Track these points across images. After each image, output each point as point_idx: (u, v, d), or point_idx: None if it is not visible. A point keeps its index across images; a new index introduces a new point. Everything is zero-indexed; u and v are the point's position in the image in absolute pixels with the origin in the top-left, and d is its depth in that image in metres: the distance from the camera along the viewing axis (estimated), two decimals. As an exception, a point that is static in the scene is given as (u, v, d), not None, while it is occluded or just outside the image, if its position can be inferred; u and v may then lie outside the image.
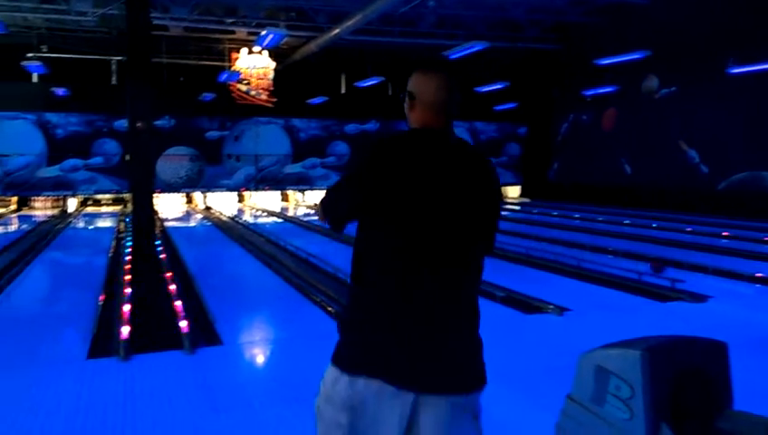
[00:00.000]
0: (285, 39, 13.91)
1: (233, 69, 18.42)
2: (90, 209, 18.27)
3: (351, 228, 1.88)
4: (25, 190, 17.78)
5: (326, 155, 20.50)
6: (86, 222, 15.33)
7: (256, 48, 18.11)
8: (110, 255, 9.25)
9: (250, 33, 16.83)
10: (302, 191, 20.58)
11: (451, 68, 1.84)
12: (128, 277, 7.09)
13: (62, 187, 17.94)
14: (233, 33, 17.39)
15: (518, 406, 3.61)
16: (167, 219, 15.48)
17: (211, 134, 19.27)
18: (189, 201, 19.76)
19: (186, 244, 10.62)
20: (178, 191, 19.26)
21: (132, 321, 5.14)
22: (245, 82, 19.01)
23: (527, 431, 3.26)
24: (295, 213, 17.64)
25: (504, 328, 5.41)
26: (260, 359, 4.56)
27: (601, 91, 17.56)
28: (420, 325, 1.65)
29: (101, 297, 6.26)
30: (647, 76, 16.89)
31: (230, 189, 19.72)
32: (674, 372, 2.60)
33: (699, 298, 6.28)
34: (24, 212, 17.46)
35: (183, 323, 5.03)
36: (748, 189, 14.39)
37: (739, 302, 6.42)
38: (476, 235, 1.75)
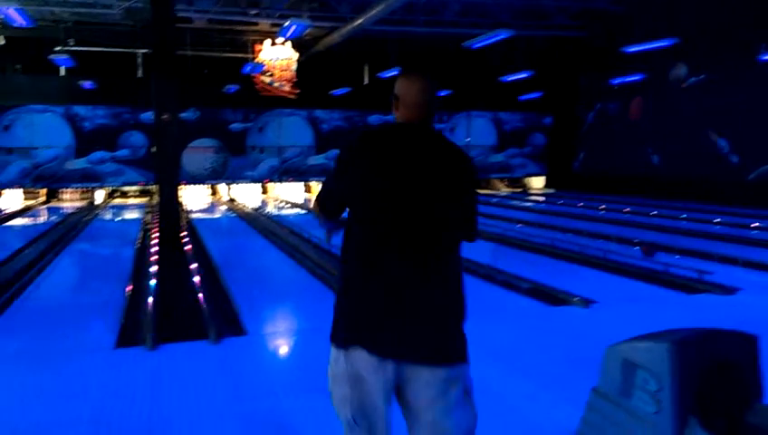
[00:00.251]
0: (308, 30, 13.90)
1: (256, 61, 18.47)
2: (117, 201, 18.54)
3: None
4: (54, 182, 18.10)
5: (349, 146, 20.47)
6: (113, 214, 15.57)
7: (279, 39, 18.13)
8: (136, 246, 9.38)
9: (273, 25, 16.85)
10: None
11: (430, 74, 2.01)
12: (154, 268, 7.19)
13: (89, 179, 18.22)
14: (256, 24, 17.43)
15: (543, 399, 3.59)
16: (192, 211, 15.65)
17: (235, 126, 19.39)
18: (214, 193, 19.94)
19: (211, 235, 10.72)
20: (203, 183, 19.44)
21: (159, 311, 5.21)
22: (269, 73, 19.05)
23: (552, 424, 3.23)
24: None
25: (529, 320, 5.38)
26: (284, 349, 4.59)
27: (628, 79, 17.25)
28: (394, 302, 1.80)
29: (128, 288, 6.36)
30: (675, 64, 16.55)
31: (254, 181, 19.85)
32: (702, 365, 2.56)
33: (728, 290, 6.17)
34: (53, 204, 17.79)
35: (208, 314, 5.09)
36: (780, 179, 14.07)
37: (770, 294, 6.29)
38: (448, 220, 1.91)
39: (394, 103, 2.00)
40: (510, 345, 4.61)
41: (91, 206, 16.95)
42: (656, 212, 13.32)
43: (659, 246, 8.62)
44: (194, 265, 7.40)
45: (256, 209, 15.43)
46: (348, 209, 1.95)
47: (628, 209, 14.07)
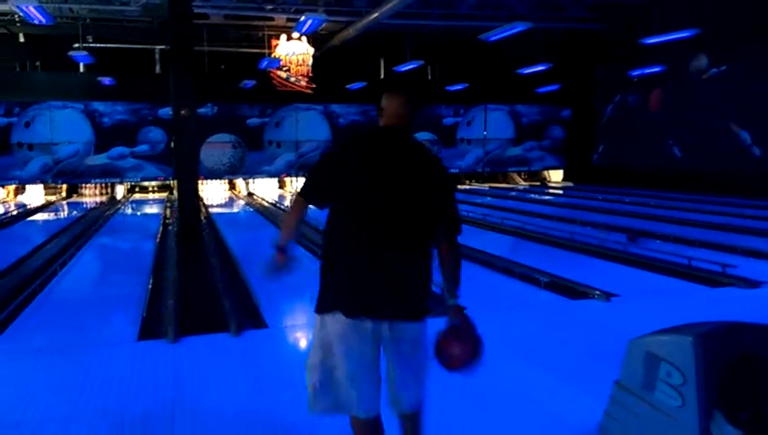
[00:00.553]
0: (324, 24, 13.89)
1: (273, 56, 18.52)
2: (137, 196, 18.75)
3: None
4: (74, 178, 18.31)
5: (366, 140, 20.48)
6: (134, 208, 15.74)
7: (295, 34, 18.15)
8: (157, 240, 9.47)
9: (289, 20, 16.86)
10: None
11: (410, 91, 2.45)
12: (174, 262, 7.26)
13: (109, 174, 18.41)
14: (272, 19, 17.45)
15: (565, 392, 3.57)
16: (211, 205, 15.77)
17: (252, 121, 19.46)
18: (232, 187, 20.07)
19: (230, 229, 10.79)
20: (221, 178, 19.57)
21: (180, 304, 5.26)
22: (285, 68, 19.09)
23: (575, 418, 3.22)
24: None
25: (549, 314, 5.35)
26: (303, 342, 4.60)
27: (648, 71, 17.00)
28: (374, 275, 2.17)
29: (150, 281, 6.42)
30: (695, 55, 16.31)
31: (271, 176, 19.93)
32: (727, 358, 2.53)
33: (752, 284, 6.09)
34: (74, 199, 18.02)
35: (229, 307, 5.13)
36: (804, 171, 13.83)
37: (795, 288, 6.20)
38: (419, 208, 2.21)
39: (378, 113, 2.40)
40: (531, 339, 4.59)
41: (112, 201, 17.15)
42: (677, 205, 13.17)
43: (683, 240, 8.54)
44: (214, 259, 7.46)
45: (274, 204, 15.50)
46: (331, 200, 2.28)
47: (649, 203, 13.93)
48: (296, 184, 20.28)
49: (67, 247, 8.83)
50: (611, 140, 20.23)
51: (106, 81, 17.21)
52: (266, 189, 19.72)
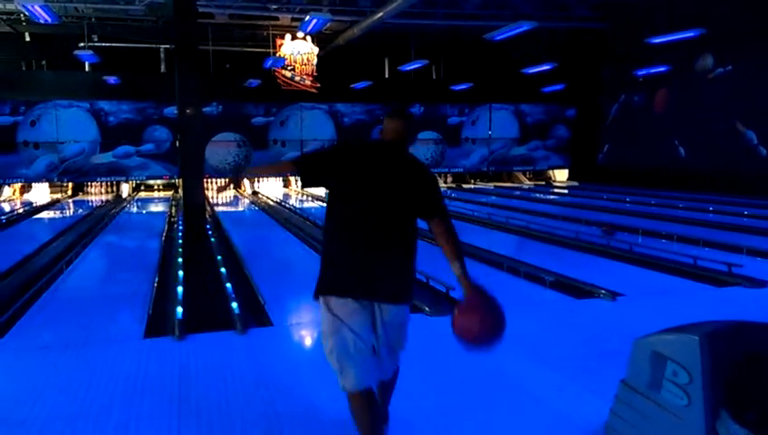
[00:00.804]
0: (328, 24, 13.91)
1: (277, 55, 18.55)
2: (142, 194, 18.81)
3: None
4: (80, 176, 18.40)
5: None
6: (139, 207, 15.79)
7: (300, 33, 18.17)
8: (162, 238, 9.49)
9: (294, 19, 16.89)
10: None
11: (406, 117, 2.76)
12: (180, 260, 7.28)
13: (115, 173, 18.49)
14: (277, 19, 17.48)
15: (571, 391, 3.57)
16: (216, 204, 15.80)
17: (257, 120, 19.50)
18: (237, 186, 20.08)
19: (235, 228, 10.81)
20: (226, 176, 19.60)
21: (186, 302, 5.27)
22: (290, 67, 19.12)
23: (581, 416, 3.22)
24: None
25: (555, 313, 5.35)
26: (309, 340, 4.62)
27: (653, 70, 16.98)
28: (366, 264, 2.48)
29: (156, 279, 6.44)
30: (701, 55, 16.26)
31: (276, 175, 19.95)
32: (734, 357, 2.53)
33: (758, 283, 6.07)
34: (80, 197, 18.09)
35: (234, 305, 5.14)
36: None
37: (801, 287, 6.17)
38: (406, 205, 2.53)
39: (380, 131, 2.76)
40: (536, 338, 4.59)
41: (118, 199, 17.20)
42: (682, 205, 13.14)
43: (688, 239, 8.52)
44: (219, 257, 7.48)
45: (279, 202, 15.53)
46: (330, 193, 2.63)
47: (654, 202, 13.90)
48: (301, 183, 20.27)
49: (73, 245, 8.86)
50: (616, 139, 20.19)
51: (111, 80, 17.27)
52: (271, 188, 19.75)
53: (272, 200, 16.24)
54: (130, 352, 4.31)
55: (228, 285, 5.90)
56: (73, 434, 3.09)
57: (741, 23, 14.80)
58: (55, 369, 3.97)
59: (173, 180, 18.94)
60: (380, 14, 14.80)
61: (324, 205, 2.77)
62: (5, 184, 17.83)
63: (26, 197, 18.03)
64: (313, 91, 19.52)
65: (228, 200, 17.47)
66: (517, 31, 12.65)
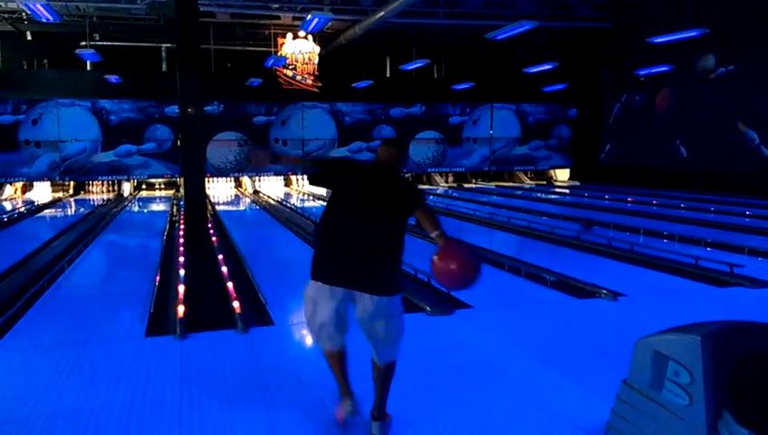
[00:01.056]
0: (330, 23, 13.91)
1: (279, 54, 18.55)
2: (144, 193, 18.82)
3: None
4: (82, 175, 18.41)
5: (371, 139, 20.49)
6: (141, 206, 15.80)
7: (301, 33, 18.17)
8: (164, 237, 9.50)
9: (295, 18, 16.89)
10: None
11: (399, 146, 3.22)
12: (182, 259, 7.28)
13: (116, 171, 18.50)
14: (278, 18, 17.48)
15: (573, 391, 3.57)
16: (217, 203, 15.82)
17: (258, 119, 19.51)
18: (239, 185, 20.12)
19: (236, 227, 10.82)
20: (228, 176, 19.62)
21: (187, 301, 5.28)
22: (291, 66, 19.12)
23: (583, 416, 3.22)
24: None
25: (556, 313, 5.35)
26: (310, 339, 4.61)
27: (655, 70, 16.95)
28: (350, 257, 2.88)
29: (157, 278, 6.45)
30: (703, 55, 16.24)
31: (277, 174, 19.97)
32: (735, 357, 2.52)
33: (759, 283, 6.07)
34: (82, 196, 18.11)
35: (236, 304, 5.15)
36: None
37: (803, 288, 6.17)
38: (392, 214, 2.93)
39: (377, 155, 3.17)
40: (538, 338, 4.59)
41: (120, 198, 17.22)
42: (684, 205, 13.13)
43: (690, 239, 8.51)
44: (220, 256, 7.48)
45: (280, 202, 15.53)
46: (331, 197, 3.03)
47: (655, 202, 13.89)
48: (302, 182, 20.33)
49: (74, 244, 8.87)
50: (618, 139, 20.18)
51: (113, 78, 17.27)
52: (272, 187, 19.76)
53: (273, 199, 16.25)
54: (132, 350, 4.31)
55: (229, 284, 5.90)
56: (75, 432, 3.09)
57: (743, 23, 14.78)
58: (57, 367, 3.98)
59: (174, 179, 18.95)
60: (382, 14, 14.79)
61: (324, 204, 3.05)
62: (7, 183, 17.85)
63: (28, 195, 18.05)
64: (315, 90, 19.52)
65: (229, 199, 17.49)
66: (519, 30, 12.63)
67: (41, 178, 18.19)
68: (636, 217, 11.38)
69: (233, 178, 19.96)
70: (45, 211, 14.40)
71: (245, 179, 20.01)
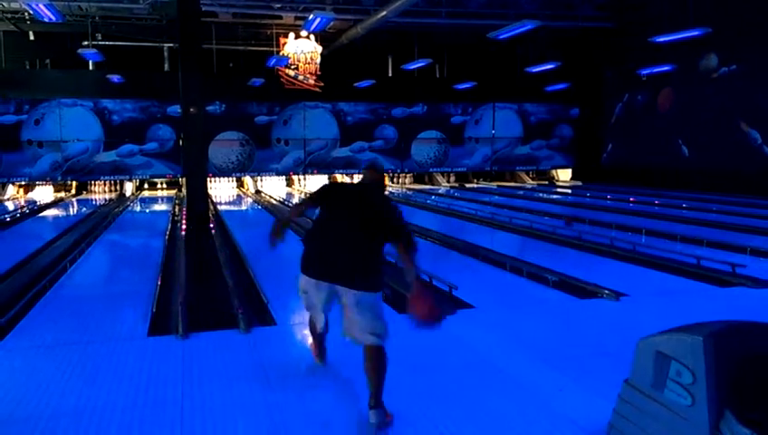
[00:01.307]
0: (332, 22, 13.91)
1: (281, 54, 18.55)
2: (146, 193, 18.84)
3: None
4: (84, 175, 18.44)
5: (374, 139, 20.50)
6: (143, 205, 15.82)
7: (303, 32, 18.17)
8: (166, 237, 9.51)
9: (297, 18, 16.90)
10: (350, 175, 20.66)
11: (380, 170, 3.79)
12: (184, 258, 7.29)
13: (119, 171, 18.53)
14: (280, 18, 17.49)
15: (575, 391, 3.57)
16: (219, 203, 15.84)
17: (260, 119, 19.52)
18: (240, 185, 20.14)
19: (238, 227, 10.83)
20: (229, 175, 19.64)
21: (189, 300, 5.28)
22: (293, 66, 19.13)
23: (585, 416, 3.22)
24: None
25: (558, 313, 5.34)
26: (311, 339, 4.62)
27: (657, 70, 16.94)
28: (330, 257, 3.30)
29: (159, 278, 6.45)
30: (705, 54, 16.22)
31: (279, 173, 19.98)
32: (738, 357, 2.52)
33: (762, 283, 6.06)
34: (84, 196, 18.13)
35: (237, 304, 5.15)
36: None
37: (805, 288, 6.16)
38: (371, 226, 3.28)
39: (361, 177, 3.70)
40: (540, 337, 4.59)
41: (122, 198, 17.24)
42: (686, 205, 13.11)
43: (692, 239, 8.50)
44: (222, 256, 7.49)
45: (282, 201, 15.54)
46: (321, 210, 3.49)
47: (658, 202, 13.87)
48: (304, 182, 20.35)
49: (77, 244, 8.88)
50: (620, 139, 20.16)
51: (115, 78, 17.29)
52: (274, 187, 19.78)
53: (275, 199, 16.26)
54: (134, 350, 4.32)
55: (231, 283, 5.90)
56: (77, 431, 3.10)
57: (745, 22, 14.76)
58: (59, 367, 3.99)
59: (176, 179, 18.97)
60: (384, 13, 14.80)
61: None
62: (9, 182, 17.88)
63: (30, 195, 18.08)
64: (317, 89, 19.53)
65: (231, 199, 17.50)
66: (521, 30, 12.63)
67: (43, 178, 18.22)
68: (638, 216, 11.37)
69: (235, 178, 19.98)
70: (47, 211, 14.42)
71: (247, 179, 20.03)
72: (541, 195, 17.07)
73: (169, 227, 10.53)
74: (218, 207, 14.68)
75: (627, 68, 18.84)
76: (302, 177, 20.36)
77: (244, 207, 15.80)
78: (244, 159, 19.42)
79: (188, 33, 9.64)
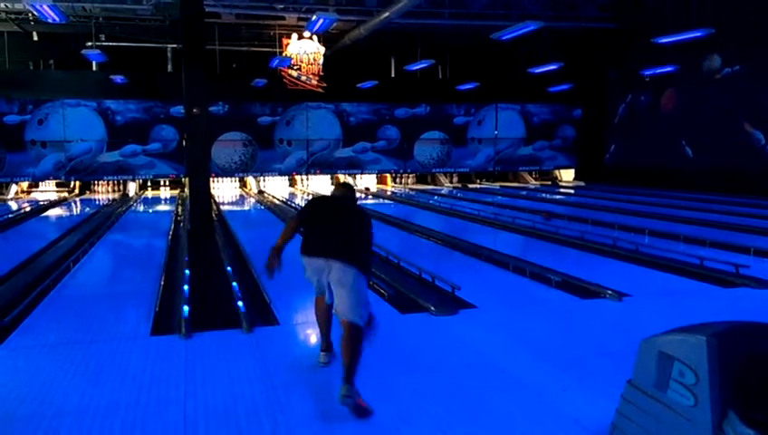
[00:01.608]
0: (335, 23, 13.91)
1: (284, 54, 18.57)
2: (149, 193, 18.87)
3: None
4: (87, 175, 18.48)
5: (376, 139, 20.50)
6: (146, 205, 15.84)
7: (306, 33, 18.18)
8: (169, 236, 9.52)
9: (300, 19, 16.90)
10: (353, 175, 20.67)
11: (349, 188, 4.22)
12: (187, 259, 7.30)
13: (122, 172, 18.56)
14: (283, 18, 17.50)
15: (577, 391, 3.57)
16: (222, 203, 15.85)
17: (263, 119, 19.53)
18: (243, 185, 20.16)
19: (241, 227, 10.84)
20: (232, 176, 19.66)
21: (192, 300, 5.29)
22: (296, 67, 19.14)
23: (587, 416, 3.21)
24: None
25: (561, 313, 5.34)
26: (314, 339, 4.61)
27: (660, 70, 16.90)
28: (322, 238, 3.78)
29: (162, 277, 6.46)
30: (708, 55, 16.19)
31: (282, 174, 20.00)
32: (741, 358, 2.52)
33: (765, 284, 6.05)
34: (87, 196, 18.17)
35: (240, 304, 5.16)
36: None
37: (809, 289, 6.14)
38: (352, 230, 3.82)
39: (332, 192, 4.23)
40: (543, 338, 4.59)
41: (125, 198, 17.27)
42: (689, 205, 13.09)
43: (695, 240, 8.49)
44: (225, 256, 7.50)
45: (285, 202, 15.55)
46: (306, 221, 3.98)
47: (661, 202, 13.85)
48: (307, 182, 20.36)
49: (80, 244, 8.89)
50: (623, 139, 20.14)
51: (118, 79, 17.32)
52: (277, 187, 19.80)
53: (278, 199, 16.28)
54: (137, 350, 4.33)
55: (234, 283, 5.92)
56: (80, 430, 3.10)
57: (749, 23, 14.73)
58: (62, 366, 4.00)
59: (179, 179, 19.00)
60: (387, 14, 14.81)
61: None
62: (13, 182, 17.93)
63: (34, 195, 18.12)
64: (319, 90, 19.54)
65: (234, 199, 17.52)
66: (524, 31, 12.61)
67: (46, 178, 18.26)
68: (641, 217, 11.35)
69: (238, 178, 20.00)
70: (51, 211, 14.46)
71: (250, 180, 20.04)
72: (544, 195, 17.06)
73: (172, 227, 10.55)
74: (221, 207, 14.70)
75: (630, 69, 18.81)
76: (304, 177, 20.37)
77: (246, 208, 15.82)
78: (247, 160, 19.44)
79: (192, 33, 9.64)
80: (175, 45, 18.67)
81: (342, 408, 3.26)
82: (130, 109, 18.39)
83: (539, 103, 21.54)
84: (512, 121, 21.65)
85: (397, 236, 9.98)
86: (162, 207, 15.42)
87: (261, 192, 18.86)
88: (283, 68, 18.72)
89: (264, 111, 19.50)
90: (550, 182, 21.92)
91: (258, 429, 3.13)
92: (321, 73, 19.41)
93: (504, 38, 13.33)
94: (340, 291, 3.61)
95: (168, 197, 17.89)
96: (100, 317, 5.23)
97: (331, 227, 3.83)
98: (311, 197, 5.34)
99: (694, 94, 16.91)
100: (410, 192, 18.70)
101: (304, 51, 19.11)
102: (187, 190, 12.47)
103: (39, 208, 14.46)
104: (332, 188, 4.27)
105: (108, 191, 18.95)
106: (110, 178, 18.69)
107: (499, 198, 16.37)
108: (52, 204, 15.74)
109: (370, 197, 17.61)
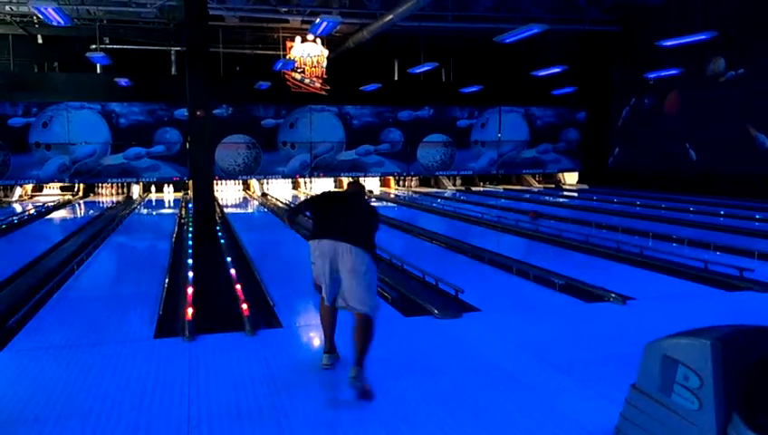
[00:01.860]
0: (338, 26, 13.94)
1: (287, 57, 18.61)
2: (153, 196, 18.91)
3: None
4: (91, 178, 18.52)
5: (379, 142, 20.51)
6: (149, 208, 15.87)
7: (310, 36, 18.22)
8: (172, 239, 9.54)
9: (304, 22, 16.95)
10: (356, 178, 20.66)
11: (360, 186, 4.39)
12: (190, 261, 7.31)
13: (126, 174, 18.61)
14: (287, 21, 17.55)
15: (581, 395, 3.56)
16: (226, 205, 15.87)
17: (267, 122, 19.57)
18: (247, 188, 20.18)
19: (244, 229, 10.85)
20: (236, 178, 19.69)
21: (196, 303, 5.30)
22: (299, 70, 19.17)
23: (591, 420, 3.21)
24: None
25: (565, 316, 5.33)
26: (318, 341, 4.62)
27: (664, 73, 16.88)
28: (332, 225, 3.86)
29: (166, 280, 6.47)
30: (712, 58, 16.17)
31: (285, 176, 20.02)
32: (746, 362, 2.51)
33: (770, 288, 6.02)
34: (91, 198, 18.22)
35: (244, 306, 5.16)
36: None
37: (814, 292, 6.12)
38: (361, 223, 3.91)
39: (345, 189, 4.39)
40: (546, 341, 4.58)
41: (129, 200, 17.30)
42: (693, 208, 13.06)
43: (699, 243, 8.47)
44: (228, 258, 7.51)
45: (288, 204, 15.56)
46: (317, 212, 4.12)
47: (664, 206, 13.82)
48: (310, 185, 20.38)
49: (84, 246, 8.92)
50: (627, 142, 20.11)
51: (123, 81, 17.38)
52: (280, 190, 19.82)
53: (281, 202, 16.29)
54: (141, 352, 4.34)
55: (238, 286, 5.92)
56: (84, 432, 3.11)
57: (753, 26, 14.71)
58: (67, 368, 4.01)
59: (183, 182, 19.04)
60: (390, 17, 14.83)
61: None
62: (17, 184, 17.98)
63: (38, 197, 18.17)
64: (323, 93, 19.57)
65: (237, 202, 17.55)
66: (527, 33, 12.61)
67: (51, 181, 18.32)
68: (645, 220, 11.33)
69: (241, 181, 20.03)
70: (55, 213, 14.49)
71: (254, 182, 20.07)
72: (547, 198, 17.04)
73: (176, 230, 10.57)
74: (225, 209, 14.72)
75: (634, 72, 18.80)
76: (308, 180, 20.39)
77: (250, 210, 15.83)
78: (251, 162, 19.47)
79: (196, 36, 9.68)
80: (179, 48, 18.74)
81: (346, 410, 3.26)
82: (134, 111, 18.44)
83: (542, 106, 21.54)
84: (515, 124, 21.65)
85: (400, 238, 9.98)
86: (166, 210, 15.44)
87: (264, 195, 18.89)
88: (286, 71, 18.76)
89: (268, 113, 19.54)
90: (553, 185, 21.90)
91: (261, 431, 3.13)
92: (325, 76, 19.44)
93: (508, 41, 13.34)
94: (353, 280, 3.66)
95: (172, 199, 17.92)
96: (104, 319, 5.24)
97: (344, 216, 3.93)
98: (325, 191, 5.05)
99: (698, 97, 16.88)
100: (413, 195, 18.70)
101: (308, 54, 19.15)
102: (190, 193, 12.50)
103: (43, 211, 14.50)
104: (348, 185, 4.40)
105: (112, 194, 19.00)
106: (113, 180, 18.74)
107: (502, 201, 16.36)
108: (57, 206, 15.78)
109: (374, 199, 17.61)
